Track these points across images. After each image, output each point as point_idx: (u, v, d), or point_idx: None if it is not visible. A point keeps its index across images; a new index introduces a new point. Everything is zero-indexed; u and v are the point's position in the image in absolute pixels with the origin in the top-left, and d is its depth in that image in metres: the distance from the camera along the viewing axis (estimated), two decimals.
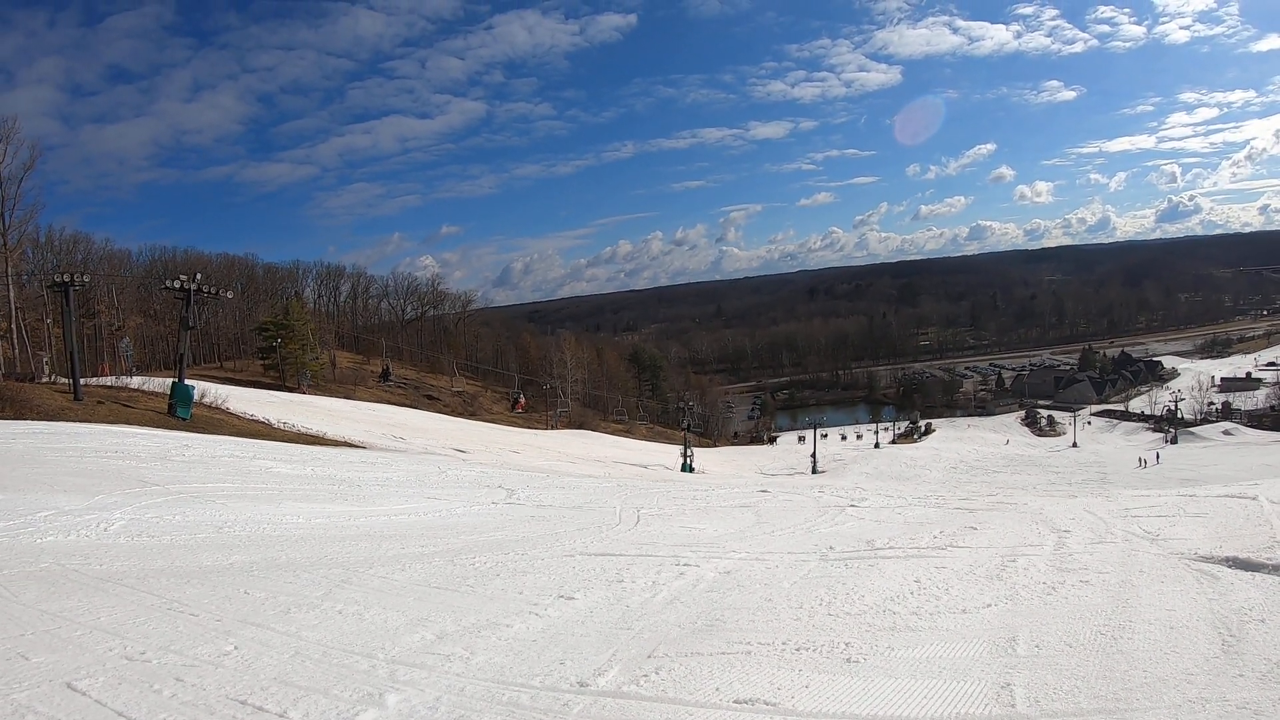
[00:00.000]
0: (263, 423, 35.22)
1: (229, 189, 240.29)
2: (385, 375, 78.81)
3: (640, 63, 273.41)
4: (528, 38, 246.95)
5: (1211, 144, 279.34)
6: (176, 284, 34.77)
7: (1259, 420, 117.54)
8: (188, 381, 33.00)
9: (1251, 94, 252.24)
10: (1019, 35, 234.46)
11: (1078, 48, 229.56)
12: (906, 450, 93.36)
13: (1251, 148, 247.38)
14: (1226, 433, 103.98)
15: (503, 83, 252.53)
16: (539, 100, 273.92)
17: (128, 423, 27.05)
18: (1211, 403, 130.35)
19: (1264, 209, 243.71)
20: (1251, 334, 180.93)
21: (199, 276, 35.69)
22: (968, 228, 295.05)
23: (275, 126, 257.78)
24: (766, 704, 4.61)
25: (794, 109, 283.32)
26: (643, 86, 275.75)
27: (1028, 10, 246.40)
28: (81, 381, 32.22)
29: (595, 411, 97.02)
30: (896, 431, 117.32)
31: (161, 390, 34.25)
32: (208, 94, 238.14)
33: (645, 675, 5.06)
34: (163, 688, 4.59)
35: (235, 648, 5.39)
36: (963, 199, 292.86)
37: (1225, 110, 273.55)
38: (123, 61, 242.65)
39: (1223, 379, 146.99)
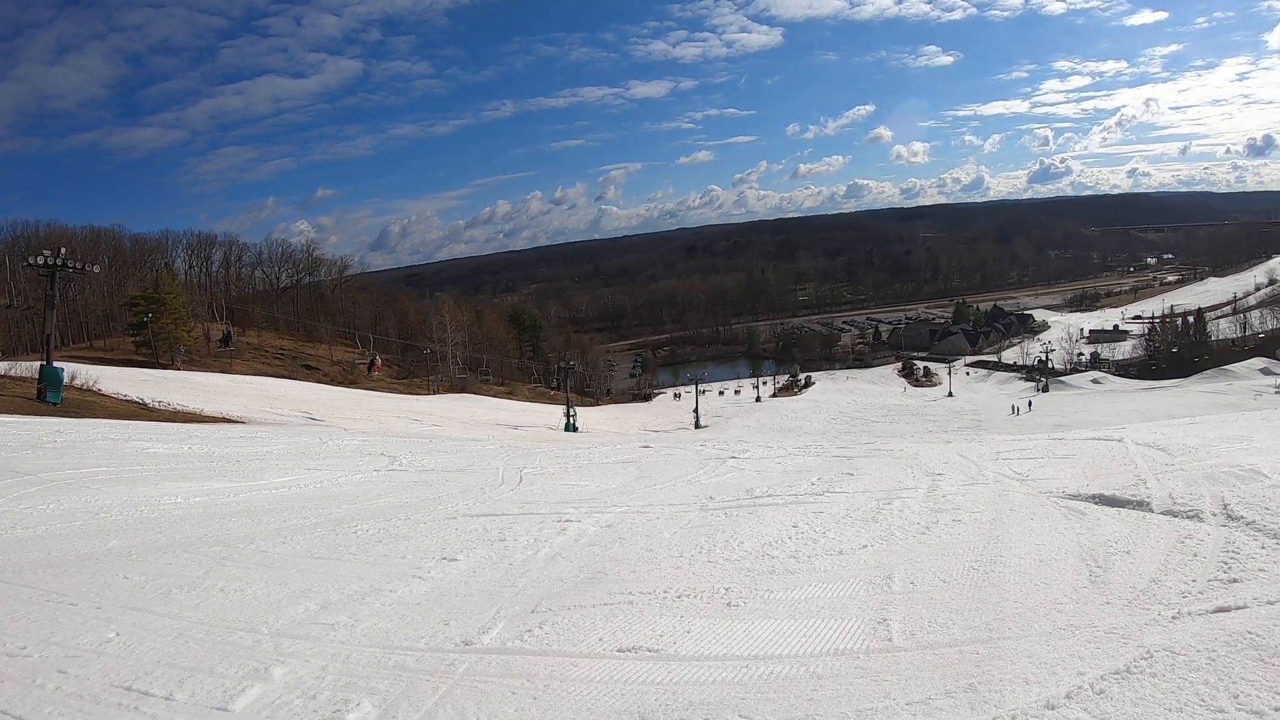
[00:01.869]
0: (137, 403, 34.20)
1: (94, 156, 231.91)
2: (226, 340, 75.95)
3: (521, 20, 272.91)
4: None
5: (1083, 110, 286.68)
6: (40, 260, 33.53)
7: (1125, 369, 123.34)
8: (56, 364, 31.88)
9: (1123, 64, 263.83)
10: (900, 1, 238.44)
11: (956, 15, 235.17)
12: (787, 403, 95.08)
13: (1122, 115, 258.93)
14: (1095, 381, 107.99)
15: (380, 40, 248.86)
16: (417, 59, 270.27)
17: None
18: (1081, 353, 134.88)
19: (1132, 172, 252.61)
20: (1119, 289, 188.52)
21: (63, 251, 34.38)
22: (845, 186, 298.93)
23: (143, 89, 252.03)
24: (649, 650, 4.75)
25: (675, 68, 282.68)
26: (523, 44, 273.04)
27: None
28: None
29: (475, 374, 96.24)
30: (777, 385, 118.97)
31: (29, 375, 33.03)
32: (72, 55, 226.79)
33: (529, 630, 5.16)
34: (45, 681, 4.52)
35: (117, 634, 5.31)
36: (840, 158, 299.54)
37: (1097, 79, 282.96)
38: None
39: (1091, 331, 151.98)
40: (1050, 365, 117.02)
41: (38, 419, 24.21)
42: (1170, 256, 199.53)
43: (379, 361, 75.74)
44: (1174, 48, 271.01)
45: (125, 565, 7.36)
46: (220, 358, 73.57)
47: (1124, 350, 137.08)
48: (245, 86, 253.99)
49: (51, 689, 4.44)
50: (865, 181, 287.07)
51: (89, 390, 34.36)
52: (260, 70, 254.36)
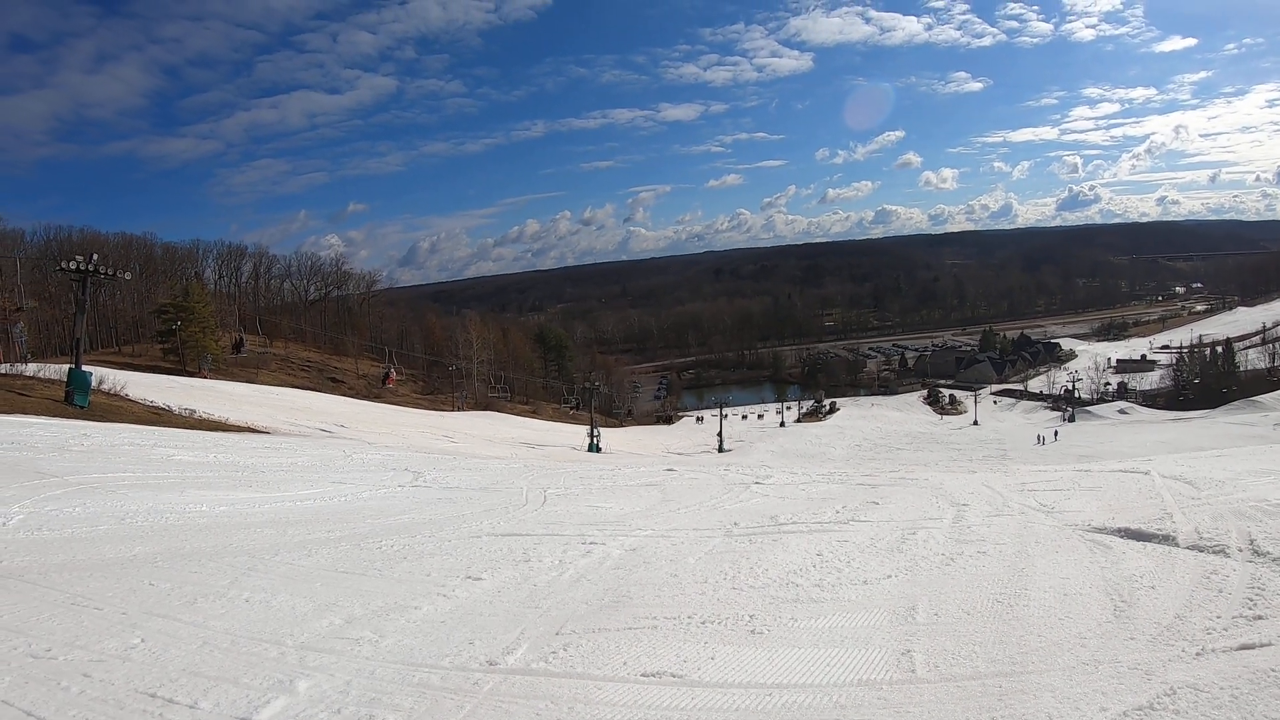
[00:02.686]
0: (163, 409, 34.37)
1: (129, 165, 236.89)
2: (238, 347, 75.90)
3: (553, 42, 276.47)
4: (441, 13, 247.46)
5: (1112, 137, 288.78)
6: (72, 265, 33.76)
7: (1153, 400, 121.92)
8: (85, 368, 32.07)
9: (1152, 91, 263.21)
10: (930, 27, 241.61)
11: (986, 41, 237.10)
12: (811, 429, 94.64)
13: (1151, 142, 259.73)
14: (1122, 411, 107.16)
15: (414, 59, 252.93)
16: (450, 77, 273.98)
17: (23, 412, 26.25)
18: (1108, 383, 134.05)
19: (1161, 200, 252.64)
20: (1147, 318, 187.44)
21: (95, 257, 34.63)
22: (873, 211, 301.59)
23: (180, 100, 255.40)
24: (673, 676, 4.74)
25: (705, 92, 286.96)
26: (555, 65, 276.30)
27: (939, 4, 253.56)
28: None
29: (491, 388, 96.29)
30: (802, 410, 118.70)
31: (58, 377, 33.19)
32: (111, 65, 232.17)
33: (553, 652, 5.15)
34: (70, 684, 4.54)
35: (142, 640, 5.32)
36: (869, 184, 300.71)
37: (1127, 106, 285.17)
38: (24, 30, 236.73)
39: (1118, 360, 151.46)
40: (1077, 395, 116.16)
41: (65, 421, 24.39)
42: (1199, 285, 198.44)
43: (393, 374, 75.69)
44: (1203, 74, 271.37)
45: (151, 572, 7.38)
46: (246, 367, 73.86)
47: (1151, 380, 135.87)
48: (280, 101, 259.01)
49: (76, 692, 4.45)
50: (893, 207, 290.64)
51: (116, 395, 34.60)
52: (295, 85, 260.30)
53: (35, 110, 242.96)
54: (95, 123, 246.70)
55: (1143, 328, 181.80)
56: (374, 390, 76.77)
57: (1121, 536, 8.10)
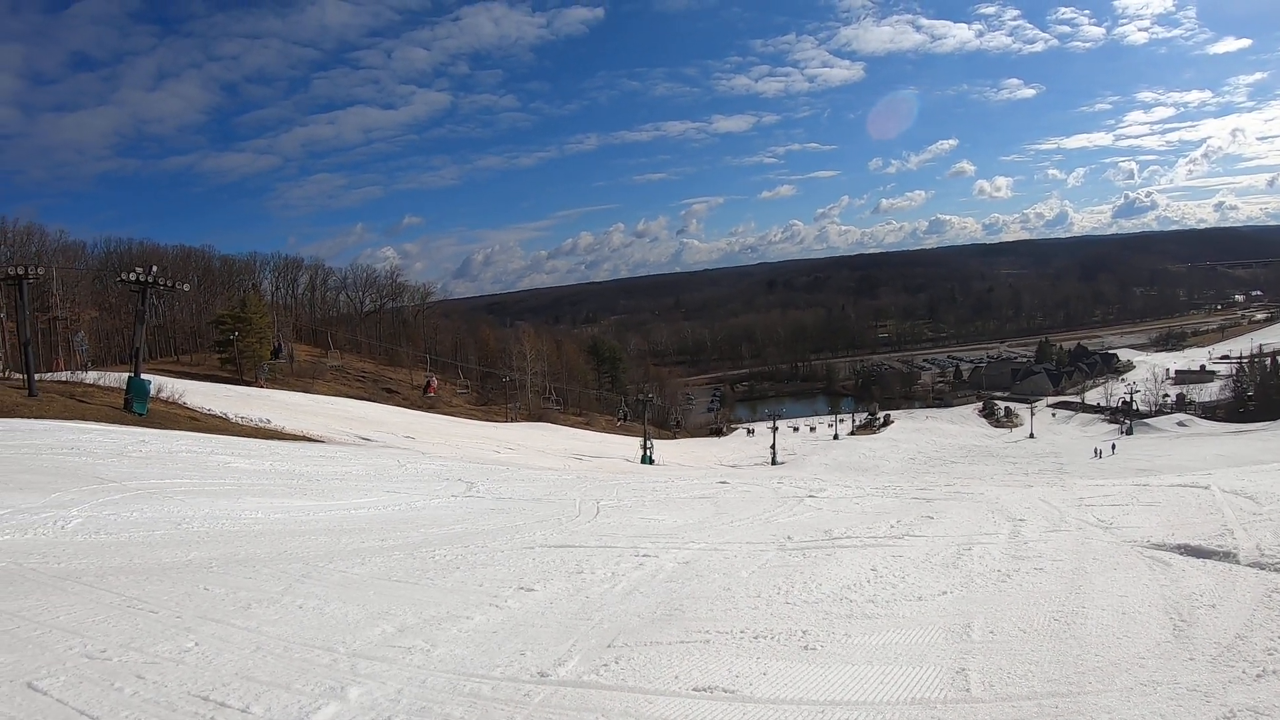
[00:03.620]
0: (220, 417, 34.78)
1: (188, 179, 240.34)
2: (275, 353, 76.16)
3: (605, 55, 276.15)
4: (494, 29, 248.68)
5: (1168, 142, 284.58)
6: (132, 276, 34.25)
7: (1212, 412, 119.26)
8: (144, 376, 32.55)
9: (1208, 94, 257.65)
10: (981, 34, 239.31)
11: (1038, 47, 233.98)
12: (865, 441, 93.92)
13: (1208, 146, 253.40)
14: (1180, 424, 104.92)
15: (468, 74, 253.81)
16: (503, 92, 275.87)
17: (83, 418, 26.70)
18: (1166, 395, 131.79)
19: (1219, 206, 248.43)
20: (1206, 328, 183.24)
21: (155, 269, 35.13)
22: (927, 221, 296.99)
23: (238, 116, 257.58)
24: (725, 691, 4.68)
25: (757, 103, 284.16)
26: (607, 79, 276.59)
27: (990, 10, 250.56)
28: (36, 376, 31.79)
29: (558, 403, 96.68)
30: (855, 423, 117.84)
31: (117, 385, 33.74)
32: (171, 82, 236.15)
33: (605, 665, 5.12)
34: (124, 685, 4.58)
35: (196, 644, 5.37)
36: (923, 193, 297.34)
37: (1182, 110, 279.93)
38: (86, 49, 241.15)
39: (1177, 371, 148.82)
40: (1134, 407, 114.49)
41: (123, 428, 24.77)
42: (1259, 293, 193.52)
43: (434, 383, 75.85)
44: (1259, 76, 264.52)
45: (206, 576, 7.47)
46: (302, 377, 74.60)
47: (1211, 391, 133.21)
48: (336, 116, 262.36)
49: (129, 693, 4.49)
50: (947, 217, 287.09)
51: (174, 403, 35.09)
52: (351, 101, 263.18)
53: (97, 126, 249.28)
54: (155, 138, 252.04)
55: (1201, 337, 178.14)
56: (428, 401, 77.22)
57: (1181, 553, 7.95)
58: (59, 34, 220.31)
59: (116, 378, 35.92)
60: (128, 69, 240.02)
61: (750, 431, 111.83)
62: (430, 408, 74.11)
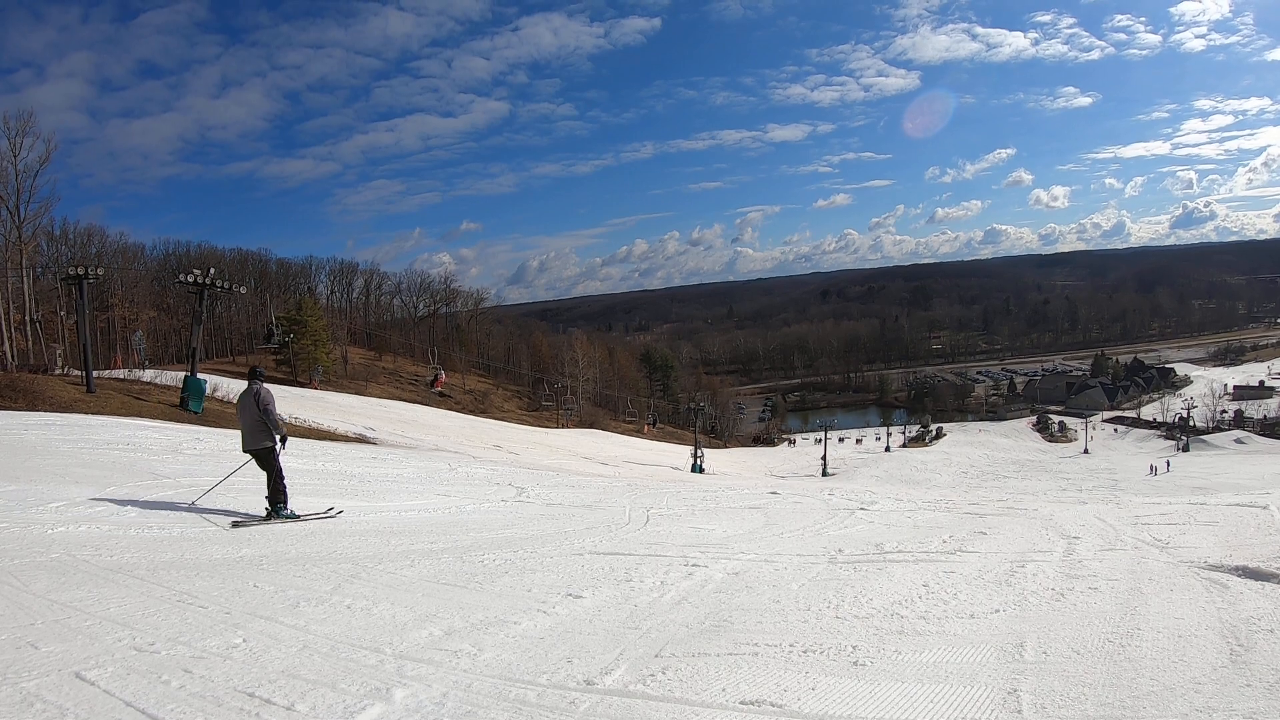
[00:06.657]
0: None
1: (250, 184, 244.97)
2: (269, 336, 75.25)
3: (662, 65, 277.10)
4: (553, 39, 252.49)
5: (1227, 151, 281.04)
6: (190, 278, 34.73)
7: (1271, 429, 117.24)
8: (200, 375, 33.04)
9: (1267, 101, 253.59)
10: (1037, 42, 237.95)
11: (1094, 55, 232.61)
12: (917, 454, 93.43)
13: (1268, 155, 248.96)
14: (1238, 441, 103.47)
15: (526, 83, 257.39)
16: (561, 100, 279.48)
17: (140, 415, 27.09)
18: (1224, 411, 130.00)
19: (1279, 216, 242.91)
20: (1265, 342, 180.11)
21: (212, 271, 35.63)
22: (982, 231, 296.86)
23: (300, 124, 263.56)
24: (773, 705, 4.61)
25: (812, 112, 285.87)
26: (664, 88, 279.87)
27: (1046, 18, 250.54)
28: (94, 374, 32.31)
29: (605, 410, 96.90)
30: (907, 435, 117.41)
31: (174, 384, 34.31)
32: (235, 90, 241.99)
33: (652, 675, 5.06)
34: (171, 679, 4.62)
35: (243, 640, 5.42)
36: (978, 203, 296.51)
37: (1240, 117, 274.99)
38: (153, 57, 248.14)
39: (1235, 387, 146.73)
40: (1191, 423, 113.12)
41: (179, 426, 25.13)
42: None
43: (443, 376, 75.79)
44: None
45: (256, 574, 7.53)
46: (355, 379, 75.28)
47: (1270, 408, 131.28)
48: (396, 124, 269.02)
49: (176, 686, 4.53)
50: (1003, 227, 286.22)
51: (229, 402, 35.44)
52: (411, 109, 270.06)
53: (162, 132, 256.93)
54: (218, 144, 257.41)
55: (1261, 352, 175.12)
56: (479, 405, 77.55)
57: (1239, 575, 7.78)
58: (127, 42, 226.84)
59: (173, 377, 36.53)
60: (193, 77, 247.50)
61: (791, 442, 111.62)
62: (483, 412, 74.38)
